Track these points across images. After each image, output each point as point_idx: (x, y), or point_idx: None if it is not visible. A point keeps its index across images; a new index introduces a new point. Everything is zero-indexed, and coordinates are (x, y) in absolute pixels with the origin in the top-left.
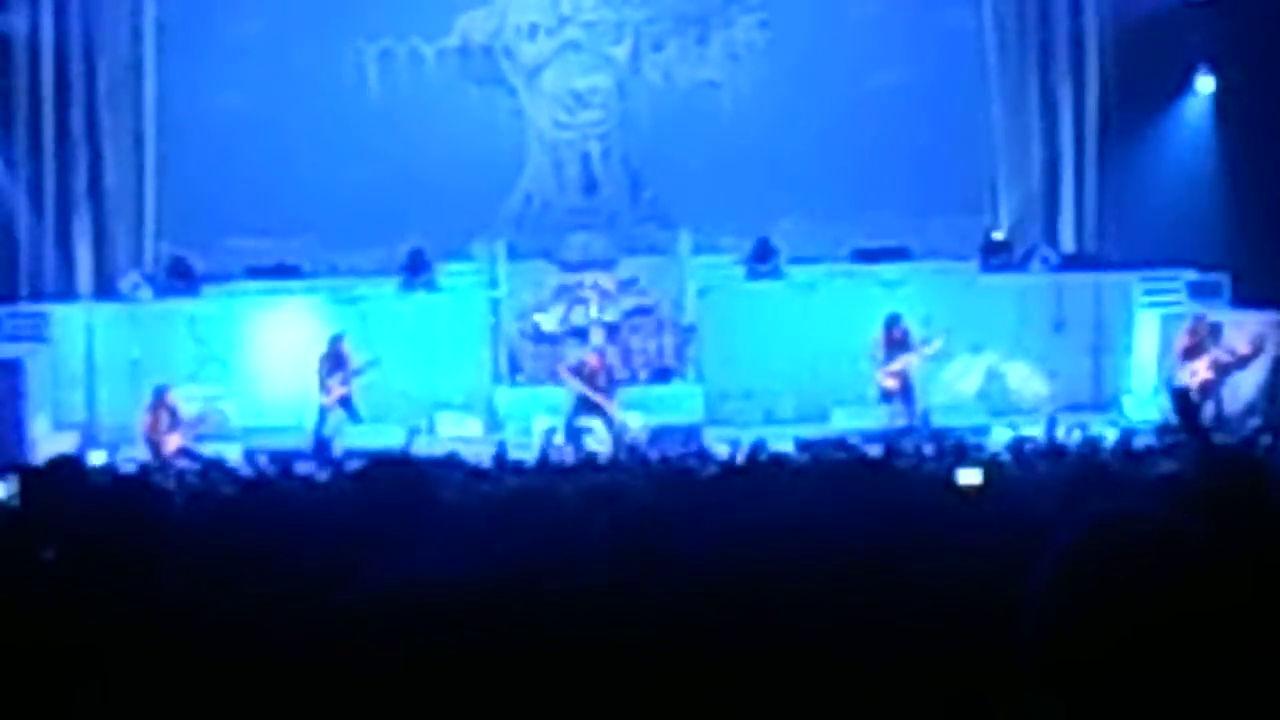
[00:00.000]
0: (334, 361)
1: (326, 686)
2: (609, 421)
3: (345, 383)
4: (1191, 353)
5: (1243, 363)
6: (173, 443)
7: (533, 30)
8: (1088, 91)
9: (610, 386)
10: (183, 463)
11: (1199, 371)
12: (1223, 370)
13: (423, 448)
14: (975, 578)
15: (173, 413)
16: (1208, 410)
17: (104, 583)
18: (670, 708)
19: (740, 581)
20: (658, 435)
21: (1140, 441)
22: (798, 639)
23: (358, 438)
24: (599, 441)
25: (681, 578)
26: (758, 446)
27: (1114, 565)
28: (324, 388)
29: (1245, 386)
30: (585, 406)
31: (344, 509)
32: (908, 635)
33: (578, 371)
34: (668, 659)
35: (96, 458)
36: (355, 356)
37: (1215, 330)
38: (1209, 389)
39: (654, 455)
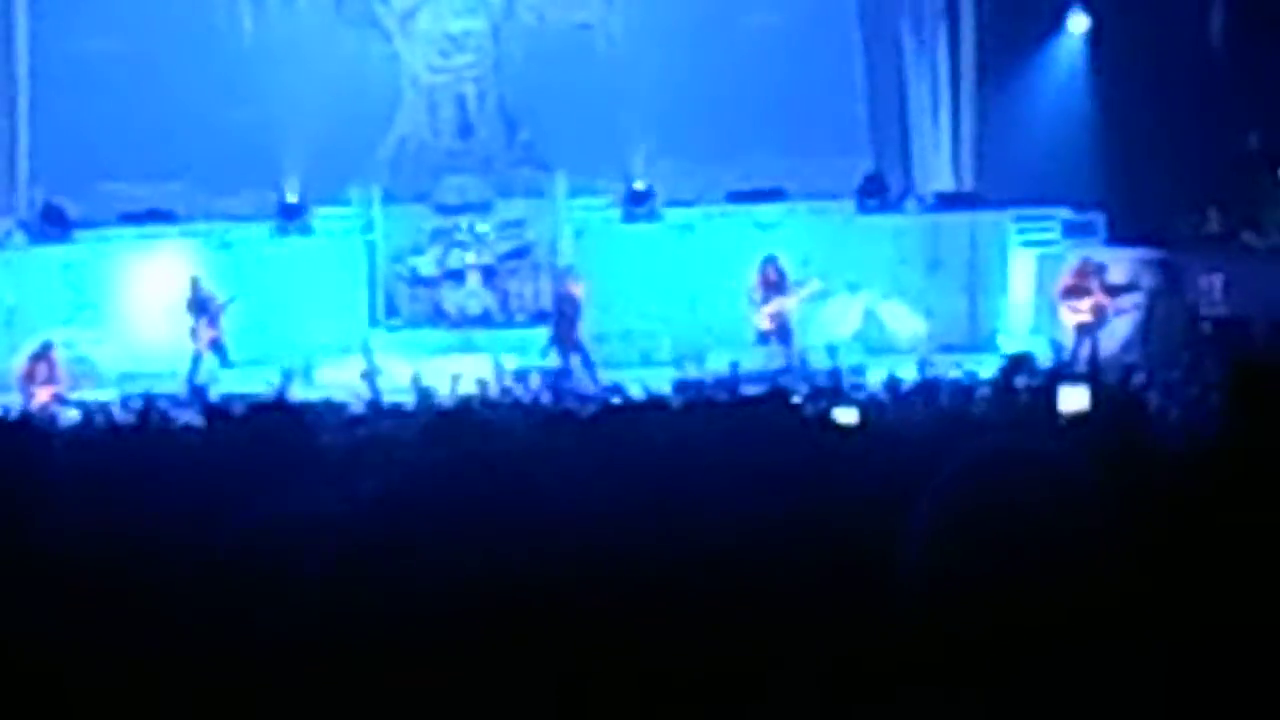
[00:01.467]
0: (198, 306)
1: (204, 623)
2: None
3: (213, 324)
4: (1073, 293)
5: (1118, 293)
6: (44, 395)
7: None
8: (961, 30)
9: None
10: (56, 407)
11: (1080, 311)
12: (1100, 313)
13: (298, 392)
14: (851, 520)
15: (52, 368)
16: (1084, 351)
17: None
18: (532, 645)
19: (612, 523)
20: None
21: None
22: (669, 587)
23: (232, 382)
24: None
25: (548, 517)
26: (614, 389)
27: (994, 502)
28: (194, 334)
29: (1120, 327)
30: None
31: (222, 453)
32: (786, 580)
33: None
34: (529, 600)
35: None
36: (216, 297)
37: (1100, 271)
38: (1087, 330)
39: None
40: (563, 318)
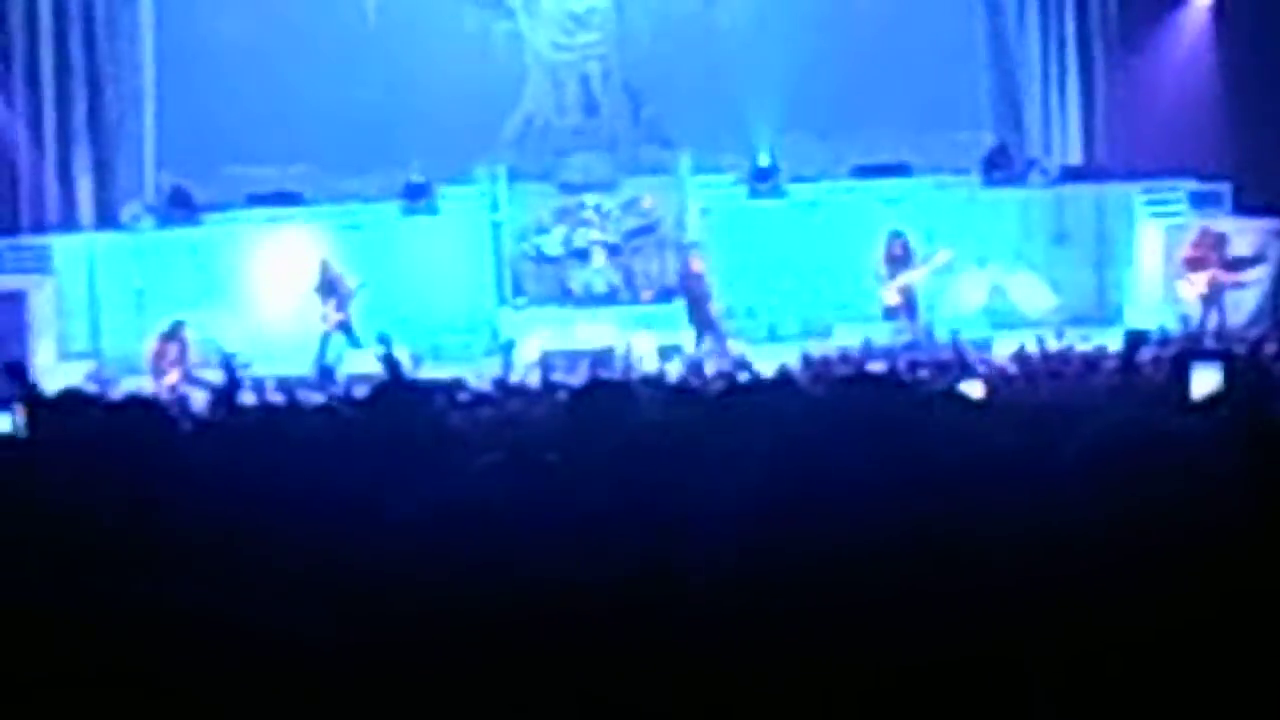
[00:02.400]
0: (327, 288)
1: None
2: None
3: (341, 307)
4: (1195, 264)
5: (1240, 267)
6: (174, 375)
7: None
8: (1087, 2)
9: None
10: (186, 387)
11: (1197, 284)
12: (1217, 287)
13: (426, 372)
14: (983, 494)
15: (183, 347)
16: (1211, 323)
17: (110, 516)
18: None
19: (752, 510)
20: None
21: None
22: (814, 573)
23: (361, 363)
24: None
25: (691, 504)
26: (741, 363)
27: (1119, 485)
28: (323, 317)
29: (1248, 297)
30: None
31: (353, 437)
32: (931, 573)
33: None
34: (677, 589)
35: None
36: (348, 280)
37: (1221, 241)
38: (1208, 302)
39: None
40: (691, 295)
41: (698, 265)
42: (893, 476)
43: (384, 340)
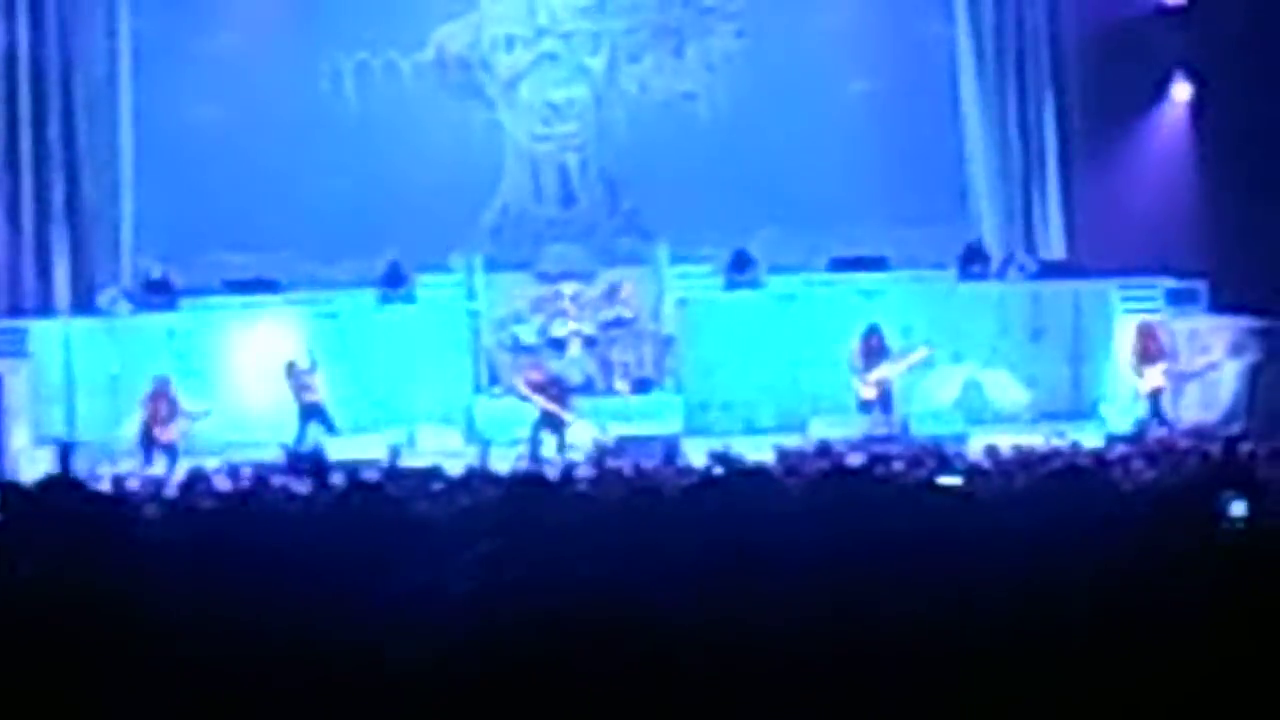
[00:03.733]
0: (296, 380)
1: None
2: (560, 432)
3: (309, 395)
4: (1147, 357)
5: (1197, 374)
6: (169, 433)
7: (509, 42)
8: (1065, 99)
9: (564, 396)
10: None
11: (1152, 378)
12: (1176, 379)
13: (405, 460)
14: (960, 585)
15: (172, 403)
16: (1164, 413)
17: (80, 603)
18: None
19: (720, 605)
20: (630, 446)
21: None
22: (780, 661)
23: (338, 450)
24: (555, 451)
25: (661, 597)
26: (721, 456)
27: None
28: (303, 390)
29: (1224, 392)
30: (546, 420)
31: (323, 530)
32: (897, 651)
33: (532, 385)
34: (643, 675)
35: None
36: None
37: (1152, 333)
38: (1159, 395)
39: (626, 466)
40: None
41: (534, 376)
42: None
43: (62, 447)
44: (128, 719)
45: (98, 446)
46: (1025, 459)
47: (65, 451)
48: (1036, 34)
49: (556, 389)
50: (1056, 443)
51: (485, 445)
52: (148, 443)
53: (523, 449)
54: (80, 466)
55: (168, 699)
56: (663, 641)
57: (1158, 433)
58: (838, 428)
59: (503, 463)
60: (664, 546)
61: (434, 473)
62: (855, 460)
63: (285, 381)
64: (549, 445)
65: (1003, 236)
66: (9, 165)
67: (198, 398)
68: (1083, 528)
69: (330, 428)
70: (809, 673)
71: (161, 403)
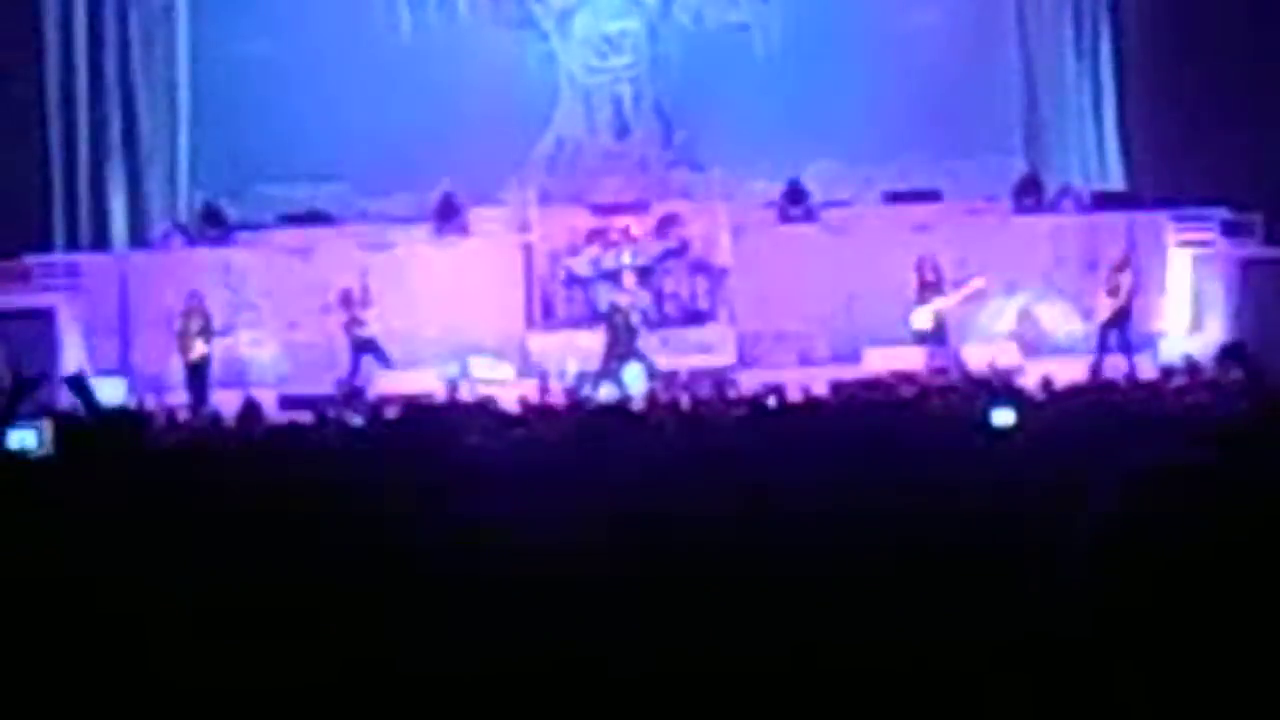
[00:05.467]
0: (355, 306)
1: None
2: (646, 364)
3: (363, 326)
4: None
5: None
6: (198, 349)
7: None
8: (1123, 28)
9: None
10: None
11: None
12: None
13: (458, 393)
14: (1009, 524)
15: (206, 318)
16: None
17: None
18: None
19: (768, 536)
20: (690, 377)
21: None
22: (823, 596)
23: (392, 383)
24: (634, 386)
25: (704, 533)
26: (774, 389)
27: (1163, 518)
28: (347, 329)
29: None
30: (619, 350)
31: (376, 456)
32: (942, 583)
33: (611, 315)
34: (688, 610)
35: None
36: (370, 296)
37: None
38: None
39: (684, 398)
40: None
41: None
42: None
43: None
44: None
45: (148, 379)
46: (1080, 390)
47: (80, 384)
48: None
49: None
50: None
51: (543, 376)
52: (188, 366)
53: (585, 385)
54: (126, 398)
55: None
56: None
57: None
58: (892, 359)
59: (558, 396)
60: (714, 479)
61: (483, 405)
62: (908, 392)
63: (337, 311)
64: (626, 374)
65: (1058, 168)
66: (65, 100)
67: (252, 330)
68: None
69: (385, 361)
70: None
71: (194, 319)
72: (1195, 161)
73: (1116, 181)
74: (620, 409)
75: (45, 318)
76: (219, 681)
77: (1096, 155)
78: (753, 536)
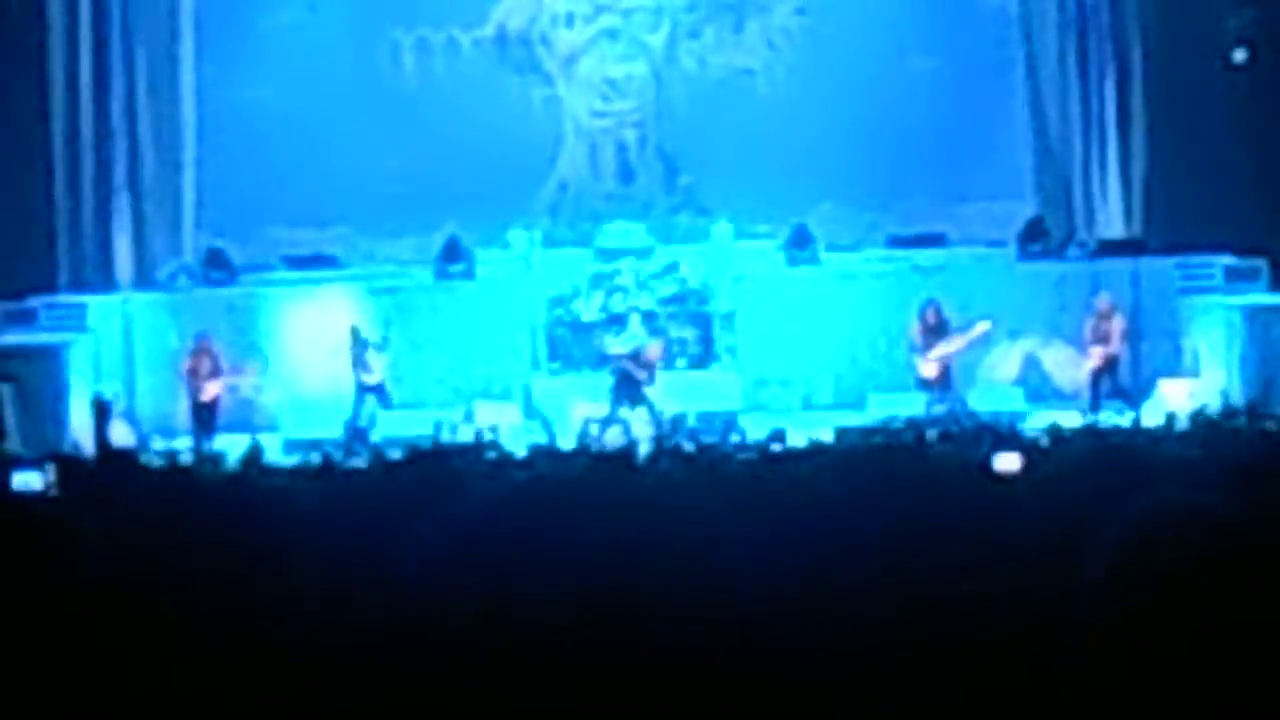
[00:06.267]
0: (359, 350)
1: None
2: (652, 411)
3: (369, 370)
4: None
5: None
6: (211, 390)
7: (569, 18)
8: (1127, 74)
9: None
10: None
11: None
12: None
13: (459, 436)
14: (1013, 570)
15: (215, 359)
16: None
17: (148, 576)
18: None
19: (767, 583)
20: (694, 422)
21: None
22: (826, 641)
23: (393, 426)
24: (640, 430)
25: (700, 573)
26: (778, 435)
27: (1170, 561)
28: (355, 369)
29: None
30: (626, 395)
31: (376, 500)
32: (945, 633)
33: (634, 359)
34: (677, 659)
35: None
36: (373, 340)
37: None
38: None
39: (688, 443)
40: (629, 378)
41: (655, 353)
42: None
43: (98, 404)
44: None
45: (153, 420)
46: (1082, 436)
47: (101, 408)
48: (1097, 7)
49: (649, 370)
50: (1117, 420)
51: (547, 421)
52: (194, 407)
53: (594, 428)
54: (131, 438)
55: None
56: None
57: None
58: (897, 405)
59: (567, 440)
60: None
61: (485, 445)
62: (912, 437)
63: (347, 348)
64: (633, 420)
65: (1062, 213)
66: (70, 140)
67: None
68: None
69: (386, 402)
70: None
71: (204, 359)
72: (1201, 208)
73: (1123, 228)
74: (625, 455)
75: (53, 359)
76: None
77: (1102, 201)
78: (753, 590)
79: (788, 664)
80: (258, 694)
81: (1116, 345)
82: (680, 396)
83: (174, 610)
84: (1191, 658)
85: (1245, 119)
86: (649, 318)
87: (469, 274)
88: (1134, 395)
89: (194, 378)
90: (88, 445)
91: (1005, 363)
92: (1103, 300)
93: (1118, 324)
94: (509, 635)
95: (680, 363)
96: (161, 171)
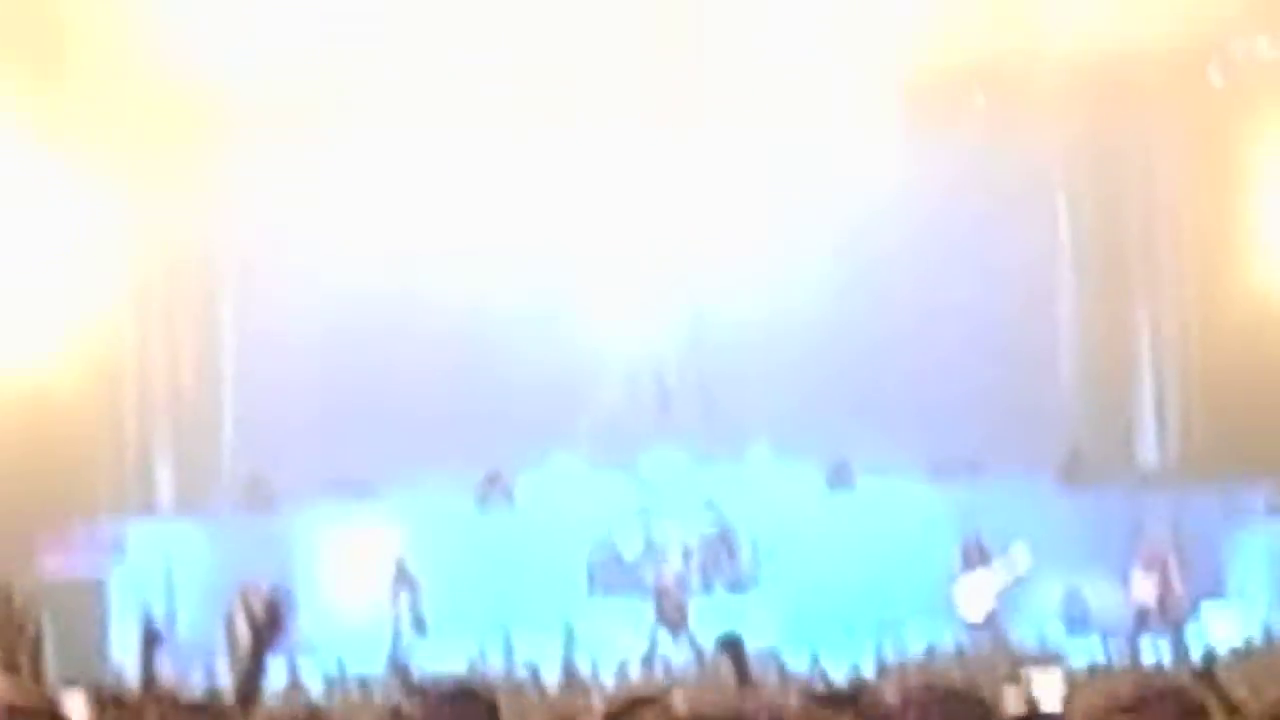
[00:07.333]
0: (401, 583)
1: None
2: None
3: (414, 605)
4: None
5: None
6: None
7: None
8: (1161, 303)
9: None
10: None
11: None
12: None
13: (498, 667)
14: None
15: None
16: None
17: None
18: None
19: None
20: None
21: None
22: None
23: (431, 657)
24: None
25: None
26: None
27: None
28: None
29: None
30: (667, 625)
31: None
32: None
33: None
34: None
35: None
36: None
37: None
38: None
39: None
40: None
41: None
42: None
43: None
44: None
45: (192, 649)
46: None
47: (151, 637)
48: (1134, 241)
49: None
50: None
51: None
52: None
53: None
54: (173, 666)
55: None
56: None
57: None
58: (936, 632)
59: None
60: None
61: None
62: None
63: (391, 582)
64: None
65: (1101, 440)
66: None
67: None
68: None
69: (421, 630)
70: None
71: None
72: (1243, 438)
73: (1157, 454)
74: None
75: (94, 589)
76: None
77: (1140, 430)
78: None
79: None
80: None
81: (1165, 581)
82: (717, 626)
83: None
84: None
85: None
86: (687, 551)
87: (509, 502)
88: (1179, 627)
89: (230, 632)
90: (131, 674)
91: (1047, 594)
92: (1152, 545)
93: (1170, 564)
94: None
95: (720, 592)
96: (201, 397)
